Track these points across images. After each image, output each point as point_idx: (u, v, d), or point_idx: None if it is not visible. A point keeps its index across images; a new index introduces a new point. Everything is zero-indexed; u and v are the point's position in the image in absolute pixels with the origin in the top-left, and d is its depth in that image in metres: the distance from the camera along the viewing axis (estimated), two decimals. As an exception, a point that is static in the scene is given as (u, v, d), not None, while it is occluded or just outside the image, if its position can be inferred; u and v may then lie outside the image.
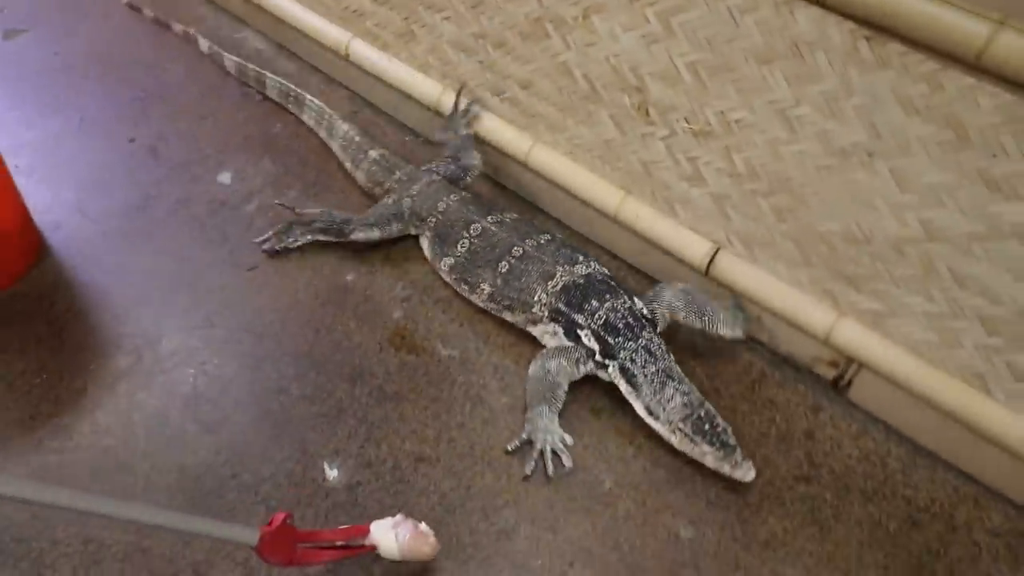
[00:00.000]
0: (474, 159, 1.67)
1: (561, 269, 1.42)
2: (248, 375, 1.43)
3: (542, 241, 1.47)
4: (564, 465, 1.31)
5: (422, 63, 1.77)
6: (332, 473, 1.31)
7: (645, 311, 1.39)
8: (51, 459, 1.29)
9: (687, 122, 1.35)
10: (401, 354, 1.47)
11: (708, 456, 1.26)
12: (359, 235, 1.59)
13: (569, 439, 1.34)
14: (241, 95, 2.00)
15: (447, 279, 1.55)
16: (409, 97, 1.82)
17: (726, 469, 1.25)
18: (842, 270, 1.30)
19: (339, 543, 1.13)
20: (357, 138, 1.75)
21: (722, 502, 1.29)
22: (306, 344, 1.48)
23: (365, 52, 1.87)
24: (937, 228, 1.14)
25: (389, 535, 1.12)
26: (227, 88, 2.02)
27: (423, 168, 1.67)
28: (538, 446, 1.32)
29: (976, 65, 0.98)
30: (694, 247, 1.48)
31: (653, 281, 1.56)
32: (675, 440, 1.28)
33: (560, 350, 1.38)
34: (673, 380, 1.30)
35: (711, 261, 1.46)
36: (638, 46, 1.33)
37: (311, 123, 1.88)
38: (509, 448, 1.33)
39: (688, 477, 1.32)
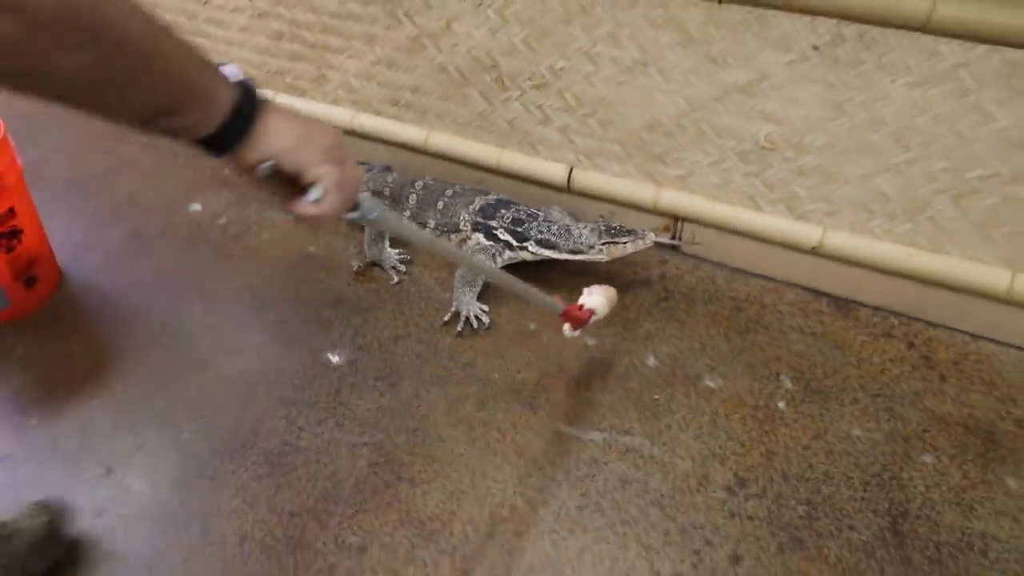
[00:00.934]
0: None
1: (478, 198, 1.99)
2: (255, 316, 1.90)
3: (467, 186, 2.05)
4: (484, 323, 1.85)
5: (335, 98, 2.36)
6: (335, 358, 1.79)
7: (537, 209, 1.98)
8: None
9: (531, 81, 1.99)
10: (365, 284, 1.99)
11: (628, 245, 1.85)
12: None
13: (485, 307, 1.88)
14: (193, 153, 2.51)
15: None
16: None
17: (641, 244, 1.85)
18: (652, 153, 1.94)
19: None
20: None
21: (620, 323, 1.85)
22: (292, 292, 1.97)
23: (288, 102, 2.44)
24: (694, 100, 1.80)
25: (594, 299, 1.62)
26: (183, 151, 2.53)
27: (368, 166, 2.23)
28: (463, 313, 1.85)
29: (681, -10, 1.66)
30: (556, 173, 2.09)
31: (535, 206, 2.16)
32: (604, 255, 1.86)
33: (479, 249, 1.95)
34: (572, 225, 1.90)
35: (569, 179, 2.08)
36: (487, 36, 1.97)
37: None
38: (445, 319, 1.86)
39: (585, 310, 1.89)
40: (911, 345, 1.77)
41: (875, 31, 1.53)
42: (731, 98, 1.75)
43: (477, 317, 1.86)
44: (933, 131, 1.59)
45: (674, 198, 1.97)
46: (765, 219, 1.88)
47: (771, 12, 1.59)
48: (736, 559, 1.39)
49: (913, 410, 1.63)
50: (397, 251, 2.04)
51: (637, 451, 1.57)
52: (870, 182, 1.71)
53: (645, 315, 1.88)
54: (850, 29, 1.55)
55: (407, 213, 2.06)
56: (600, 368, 1.75)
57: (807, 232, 1.83)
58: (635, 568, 1.38)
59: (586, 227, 1.89)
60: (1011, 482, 1.49)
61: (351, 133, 2.35)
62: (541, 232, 1.91)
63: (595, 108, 1.94)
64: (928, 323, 1.82)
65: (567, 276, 1.95)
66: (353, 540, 1.43)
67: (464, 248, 2.00)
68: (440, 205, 2.01)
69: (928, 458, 1.54)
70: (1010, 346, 1.74)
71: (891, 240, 1.76)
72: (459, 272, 1.91)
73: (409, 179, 2.10)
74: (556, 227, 1.90)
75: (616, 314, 1.83)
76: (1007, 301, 1.69)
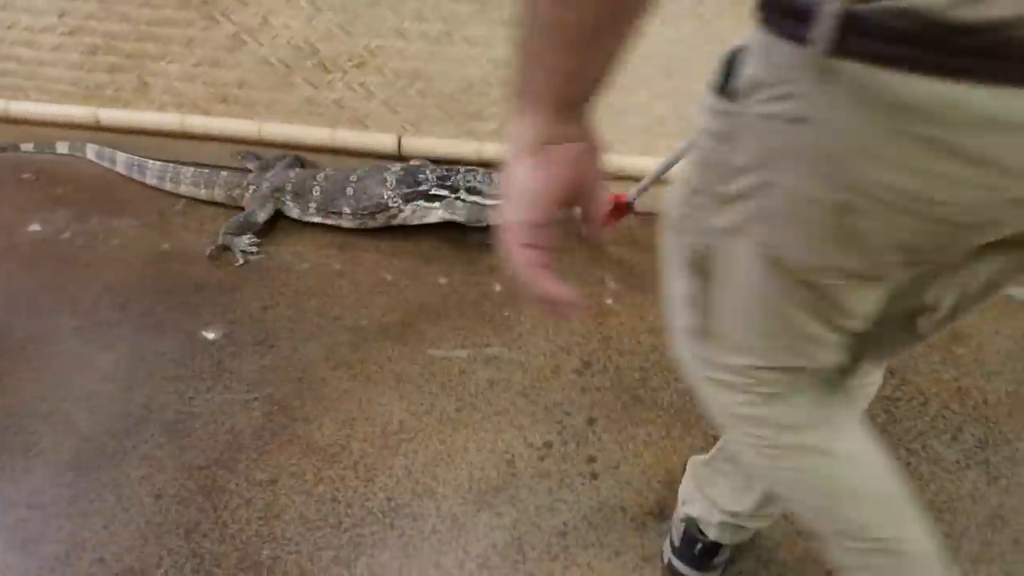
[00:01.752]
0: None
1: (386, 174, 2.14)
2: (120, 313, 1.98)
3: (366, 169, 2.17)
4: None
5: (160, 104, 2.44)
6: (211, 335, 1.92)
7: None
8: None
9: (350, 62, 2.19)
10: (224, 268, 2.12)
11: None
12: (261, 217, 2.19)
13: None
14: (19, 178, 2.51)
15: (316, 220, 2.19)
16: (168, 135, 2.47)
17: None
18: (468, 112, 2.20)
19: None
20: (205, 171, 2.32)
21: (465, 261, 2.10)
22: (153, 286, 2.06)
23: (112, 115, 2.48)
24: (497, 60, 2.08)
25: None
26: (9, 178, 2.51)
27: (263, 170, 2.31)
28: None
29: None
30: (387, 142, 2.31)
31: (372, 177, 2.37)
32: None
33: (430, 213, 2.14)
34: (491, 176, 2.09)
35: (399, 146, 2.30)
36: (304, 26, 2.15)
37: (154, 182, 2.38)
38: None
39: (441, 256, 2.12)
40: (703, 239, 2.15)
41: (630, -18, 1.87)
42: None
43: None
44: (688, 60, 1.96)
45: (494, 149, 2.24)
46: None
47: (546, -25, 1.90)
48: (591, 421, 1.68)
49: (711, 287, 2.00)
50: (248, 237, 2.17)
51: (498, 358, 1.83)
52: (649, 109, 2.06)
53: (486, 251, 2.14)
54: (610, -17, 1.88)
55: (312, 205, 2.17)
56: (455, 300, 2.00)
57: (608, 160, 2.16)
58: (512, 445, 1.64)
59: None
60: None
61: (182, 136, 2.44)
62: (468, 181, 2.09)
63: (413, 79, 2.18)
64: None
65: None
66: (263, 476, 1.59)
67: (398, 220, 2.14)
68: (350, 191, 2.14)
69: (727, 320, 1.91)
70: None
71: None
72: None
73: (310, 173, 2.22)
74: (480, 175, 2.09)
75: (462, 253, 2.08)
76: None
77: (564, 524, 1.49)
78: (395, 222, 2.16)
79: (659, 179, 1.92)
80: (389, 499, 1.54)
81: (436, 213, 2.14)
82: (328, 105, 2.29)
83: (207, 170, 2.33)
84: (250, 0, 2.13)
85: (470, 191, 2.10)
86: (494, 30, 2.02)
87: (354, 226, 2.18)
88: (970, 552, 1.41)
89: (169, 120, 2.43)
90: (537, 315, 1.94)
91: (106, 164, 2.48)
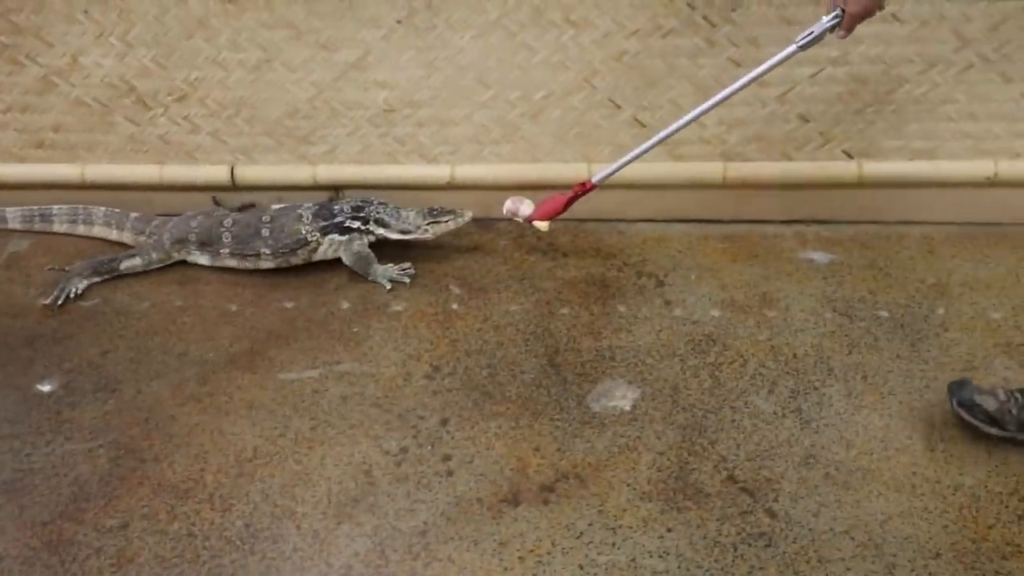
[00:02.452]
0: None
1: (300, 210, 2.12)
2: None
3: (276, 207, 2.16)
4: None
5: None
6: (46, 387, 1.85)
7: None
8: None
9: (171, 96, 2.17)
10: (58, 318, 2.04)
11: (450, 223, 2.11)
12: (125, 265, 2.10)
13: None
14: None
15: (231, 264, 2.13)
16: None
17: (461, 221, 2.11)
18: (298, 137, 2.22)
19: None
20: (116, 210, 2.22)
21: (310, 284, 2.11)
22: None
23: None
24: (319, 83, 2.12)
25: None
26: None
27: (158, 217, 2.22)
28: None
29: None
30: (219, 174, 2.29)
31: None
32: (429, 234, 2.10)
33: (344, 246, 2.11)
34: (399, 211, 2.11)
35: (233, 177, 2.29)
36: (117, 63, 2.11)
37: (64, 228, 2.27)
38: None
39: (286, 281, 2.13)
40: (539, 239, 2.26)
41: (438, 0, 1.96)
42: (348, 75, 2.10)
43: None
44: (501, 69, 2.07)
45: (329, 171, 2.27)
46: (406, 169, 2.26)
47: (356, -2, 1.96)
48: (445, 421, 1.75)
49: (550, 282, 2.11)
50: (85, 283, 2.10)
51: (350, 373, 1.87)
52: (472, 119, 2.16)
53: (333, 272, 2.17)
54: (419, 1, 1.96)
55: (225, 251, 2.12)
56: (303, 322, 2.01)
57: (440, 171, 2.24)
58: (369, 455, 1.68)
59: (412, 210, 2.12)
60: (621, 308, 2.02)
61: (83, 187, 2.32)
62: (378, 213, 2.11)
63: (238, 108, 2.18)
64: (548, 219, 2.33)
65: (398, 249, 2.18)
66: (112, 522, 1.55)
67: (318, 254, 2.14)
68: (265, 233, 2.10)
69: (566, 310, 2.03)
70: (603, 220, 2.30)
71: (502, 161, 2.23)
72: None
73: (215, 220, 2.14)
74: (389, 208, 2.12)
75: (307, 276, 2.11)
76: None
77: (424, 523, 1.54)
78: (315, 257, 2.15)
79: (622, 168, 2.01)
80: (247, 525, 1.54)
81: (365, 239, 2.15)
82: (153, 141, 2.25)
83: (117, 211, 2.25)
84: (55, 41, 2.07)
85: (378, 223, 2.13)
86: (313, 54, 2.06)
87: (273, 266, 2.15)
88: (790, 491, 1.57)
89: (68, 172, 2.30)
90: (386, 328, 1.98)
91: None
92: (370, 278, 2.11)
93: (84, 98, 2.18)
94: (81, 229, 2.30)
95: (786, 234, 2.25)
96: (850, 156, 2.16)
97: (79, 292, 2.08)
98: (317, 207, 2.15)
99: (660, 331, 1.95)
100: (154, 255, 2.15)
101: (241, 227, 2.13)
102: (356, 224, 2.13)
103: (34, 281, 2.16)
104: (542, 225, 2.10)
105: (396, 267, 2.12)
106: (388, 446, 1.70)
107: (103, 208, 2.28)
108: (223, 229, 2.13)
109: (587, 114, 2.14)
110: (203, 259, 2.17)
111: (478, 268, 2.16)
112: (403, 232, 2.15)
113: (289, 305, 2.07)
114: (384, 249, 2.15)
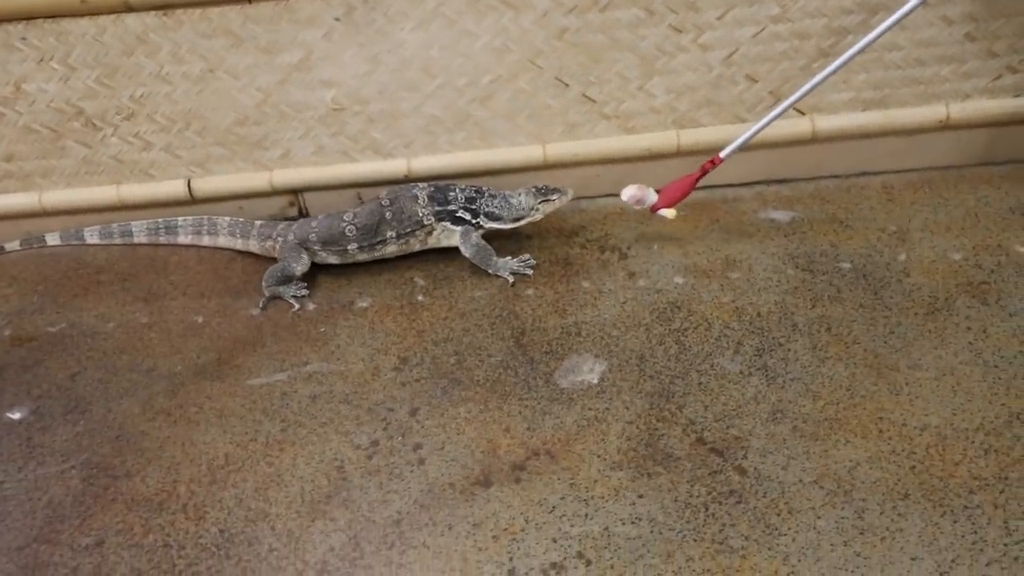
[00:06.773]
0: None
1: (415, 191, 2.08)
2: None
3: (396, 189, 2.11)
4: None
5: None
6: (16, 415, 1.84)
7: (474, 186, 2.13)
8: None
9: (119, 115, 2.16)
10: (25, 345, 2.04)
11: (557, 201, 2.07)
12: (297, 269, 2.08)
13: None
14: None
15: (363, 258, 2.11)
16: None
17: (566, 199, 2.09)
18: (250, 144, 2.22)
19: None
20: (240, 219, 2.21)
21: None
22: (-52, 378, 1.96)
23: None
24: (266, 88, 2.11)
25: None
26: None
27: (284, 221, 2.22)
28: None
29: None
30: (176, 189, 2.28)
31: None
32: (539, 215, 2.07)
33: (454, 236, 2.10)
34: (508, 199, 2.07)
35: (190, 190, 2.29)
36: (61, 87, 2.10)
37: (189, 239, 2.27)
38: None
39: (251, 288, 2.13)
40: (501, 223, 2.26)
41: (370, -6, 1.96)
42: (293, 77, 2.10)
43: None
44: (445, 58, 2.07)
45: (286, 176, 2.27)
46: (362, 166, 2.26)
47: (291, -1, 1.96)
48: (414, 411, 1.75)
49: (513, 265, 2.11)
50: (296, 284, 2.10)
51: (318, 372, 1.87)
52: (422, 110, 2.16)
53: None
54: (354, -3, 1.96)
55: (353, 246, 2.08)
56: (269, 327, 2.01)
57: (396, 165, 2.24)
58: (340, 451, 1.68)
59: (521, 193, 2.08)
60: (586, 284, 2.03)
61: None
62: (488, 207, 2.08)
63: (187, 121, 2.18)
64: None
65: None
66: (88, 541, 1.55)
67: (432, 240, 2.12)
68: (388, 215, 2.06)
69: (531, 291, 2.03)
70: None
71: (457, 149, 2.23)
72: (472, 251, 2.09)
73: (335, 217, 2.10)
74: (498, 200, 2.08)
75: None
76: (545, 166, 2.23)
77: (398, 512, 1.54)
78: (430, 243, 2.13)
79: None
80: (222, 531, 1.54)
81: (454, 238, 2.11)
82: (107, 162, 2.25)
83: (241, 219, 2.25)
84: (-5, 70, 2.07)
85: (489, 216, 2.09)
86: (255, 59, 2.06)
87: (396, 251, 2.12)
88: (759, 447, 1.58)
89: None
90: (353, 325, 1.98)
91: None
92: (491, 271, 2.07)
93: (33, 125, 2.17)
94: (206, 240, 2.28)
95: (746, 196, 2.26)
96: (802, 113, 2.17)
97: (305, 293, 2.10)
98: (432, 188, 2.10)
99: (625, 303, 1.95)
100: (304, 257, 2.11)
101: (364, 217, 2.08)
102: (467, 216, 2.10)
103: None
104: (669, 213, 2.01)
105: (516, 260, 2.08)
106: (359, 440, 1.70)
107: (227, 218, 2.26)
108: (344, 223, 2.09)
109: (536, 95, 2.14)
110: (332, 258, 2.13)
111: (441, 259, 2.16)
112: (516, 220, 2.09)
113: (254, 312, 2.06)
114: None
